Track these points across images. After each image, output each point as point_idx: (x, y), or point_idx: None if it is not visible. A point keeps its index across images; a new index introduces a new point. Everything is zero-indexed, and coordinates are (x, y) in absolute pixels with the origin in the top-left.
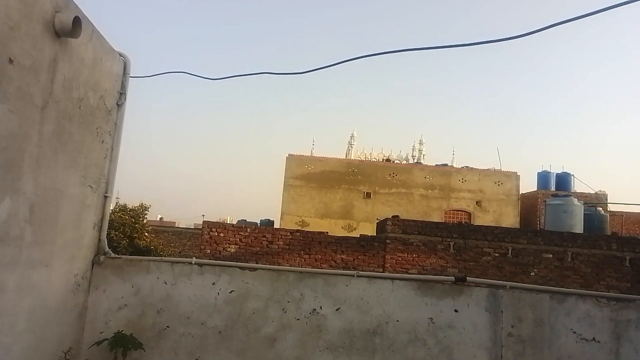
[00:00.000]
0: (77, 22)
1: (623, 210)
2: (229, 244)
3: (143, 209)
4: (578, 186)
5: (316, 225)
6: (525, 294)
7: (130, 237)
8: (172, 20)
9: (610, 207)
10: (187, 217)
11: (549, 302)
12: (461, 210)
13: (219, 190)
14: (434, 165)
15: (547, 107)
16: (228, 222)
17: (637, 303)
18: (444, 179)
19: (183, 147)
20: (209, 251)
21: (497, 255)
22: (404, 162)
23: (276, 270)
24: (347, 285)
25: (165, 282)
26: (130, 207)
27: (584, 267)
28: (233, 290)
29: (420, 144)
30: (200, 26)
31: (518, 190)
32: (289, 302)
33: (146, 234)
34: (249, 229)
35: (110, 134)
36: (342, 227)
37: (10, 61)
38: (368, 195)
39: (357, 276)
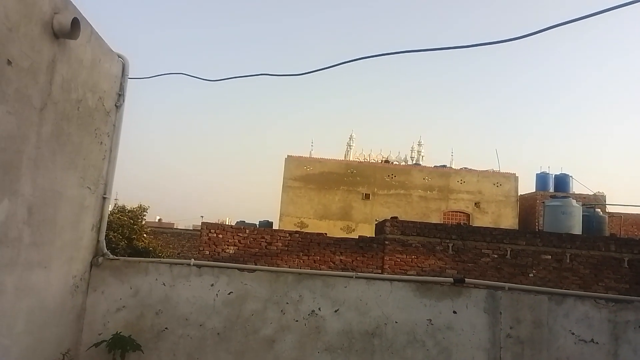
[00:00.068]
0: (76, 24)
1: (621, 211)
2: (228, 245)
3: (142, 210)
4: (576, 187)
5: (315, 226)
6: (524, 295)
7: (128, 239)
8: (171, 21)
9: (609, 209)
10: (185, 218)
11: (548, 303)
12: (460, 212)
13: (217, 191)
14: (432, 166)
15: (546, 108)
16: (227, 223)
17: (636, 304)
18: (442, 180)
19: (182, 148)
20: (207, 252)
21: (495, 256)
22: (403, 163)
23: (275, 271)
24: (345, 287)
25: (164, 284)
26: (129, 208)
27: (582, 269)
28: (232, 292)
29: (419, 145)
30: (199, 27)
31: (517, 191)
32: (287, 303)
33: (145, 235)
34: (247, 230)
35: (108, 135)
36: (341, 229)
37: (9, 62)
38: (367, 196)
39: (355, 277)
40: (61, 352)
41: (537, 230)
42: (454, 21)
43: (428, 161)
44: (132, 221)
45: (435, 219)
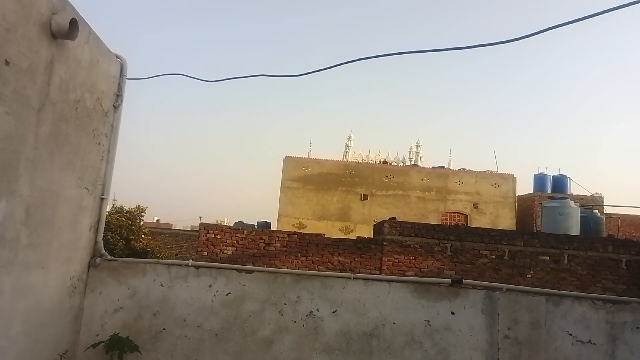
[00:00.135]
0: (74, 24)
1: (619, 212)
2: (226, 246)
3: (140, 210)
4: (574, 188)
5: (313, 227)
6: (522, 296)
7: (126, 239)
8: (171, 21)
9: (607, 210)
10: (184, 219)
11: (545, 304)
12: (458, 213)
13: (216, 192)
14: (430, 167)
15: (544, 109)
16: (225, 224)
17: (633, 305)
18: (440, 181)
19: (180, 148)
20: (205, 253)
21: (493, 257)
22: (401, 164)
23: (273, 272)
24: (343, 288)
25: (162, 285)
26: (127, 209)
27: (580, 270)
28: (230, 293)
29: (417, 146)
30: (199, 27)
31: (514, 192)
32: (285, 304)
33: (143, 236)
34: (246, 231)
35: (106, 136)
36: (339, 229)
37: (7, 63)
38: (365, 197)
39: (354, 278)
40: (58, 353)
41: (534, 231)
42: (453, 21)
43: (426, 162)
44: (130, 222)
45: (433, 219)
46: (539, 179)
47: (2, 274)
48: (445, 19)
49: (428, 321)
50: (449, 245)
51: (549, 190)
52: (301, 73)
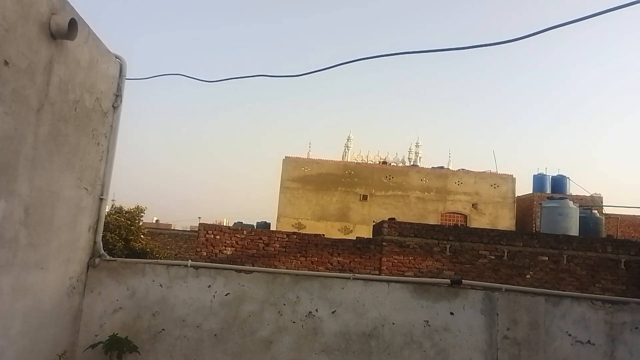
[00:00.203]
0: (73, 24)
1: (618, 212)
2: (225, 247)
3: (139, 211)
4: (573, 189)
5: (313, 227)
6: (521, 297)
7: (126, 240)
8: (170, 21)
9: (606, 210)
10: (183, 219)
11: (545, 304)
12: (457, 213)
13: (215, 192)
14: (430, 167)
15: (543, 109)
16: (224, 224)
17: (632, 306)
18: (440, 181)
19: (180, 148)
20: (205, 253)
21: (492, 257)
22: (401, 164)
23: (272, 272)
24: (343, 288)
25: (161, 285)
26: (126, 209)
27: (579, 270)
28: (229, 293)
29: (416, 146)
30: (198, 27)
31: (514, 192)
32: (284, 304)
33: (142, 236)
34: (245, 232)
35: (106, 136)
36: (339, 230)
37: (6, 63)
38: (364, 197)
39: (353, 279)
40: (57, 354)
41: (534, 231)
42: (453, 21)
43: (426, 162)
44: (129, 222)
45: (432, 220)
46: (538, 180)
47: (1, 274)
48: (445, 19)
49: (427, 321)
50: (448, 246)
51: (548, 191)
52: (300, 73)
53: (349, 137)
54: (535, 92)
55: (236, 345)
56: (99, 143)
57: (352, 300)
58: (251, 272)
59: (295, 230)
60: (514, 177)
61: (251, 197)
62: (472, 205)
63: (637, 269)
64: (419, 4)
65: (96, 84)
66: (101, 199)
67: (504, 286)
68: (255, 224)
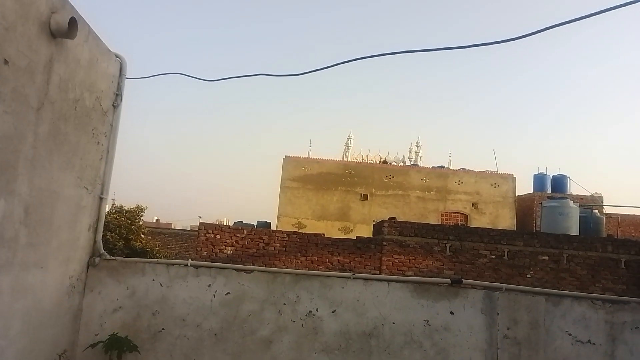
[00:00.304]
0: (73, 23)
1: (619, 212)
2: (226, 246)
3: (139, 210)
4: (574, 188)
5: (313, 227)
6: (521, 296)
7: (126, 239)
8: (170, 21)
9: (606, 210)
10: (183, 218)
11: (545, 304)
12: (457, 212)
13: (215, 192)
14: (430, 167)
15: (543, 109)
16: (225, 223)
17: (632, 305)
18: (440, 181)
19: (180, 148)
20: (205, 253)
21: (493, 257)
22: (401, 164)
23: (272, 272)
24: (343, 288)
25: (161, 284)
26: (126, 208)
27: (579, 269)
28: (229, 292)
29: (417, 145)
30: (198, 27)
31: (514, 192)
32: (285, 304)
33: (142, 235)
34: (245, 231)
35: (106, 135)
36: (339, 229)
37: (6, 62)
38: (365, 197)
39: (353, 278)
40: (57, 353)
41: (534, 231)
42: (453, 21)
43: (426, 162)
44: (129, 221)
45: (433, 219)
46: (539, 179)
47: (1, 274)
48: (445, 19)
49: (427, 321)
50: (448, 245)
51: (549, 190)
52: (300, 72)
53: (349, 136)
54: (535, 92)
55: (236, 344)
56: (99, 142)
57: (352, 300)
58: (251, 271)
59: (296, 230)
60: (514, 176)
61: (251, 196)
62: (473, 204)
63: (638, 268)
64: (419, 4)
65: (96, 83)
66: (101, 198)
67: (504, 286)
68: (255, 224)
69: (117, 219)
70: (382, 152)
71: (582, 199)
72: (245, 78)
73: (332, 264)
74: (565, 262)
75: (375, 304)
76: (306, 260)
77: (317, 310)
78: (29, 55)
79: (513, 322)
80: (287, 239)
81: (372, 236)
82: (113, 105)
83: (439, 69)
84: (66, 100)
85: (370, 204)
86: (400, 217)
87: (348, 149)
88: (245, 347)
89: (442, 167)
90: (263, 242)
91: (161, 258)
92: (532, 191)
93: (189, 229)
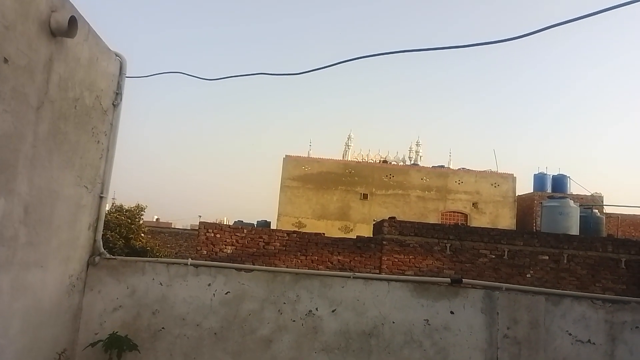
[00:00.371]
0: (73, 22)
1: (619, 212)
2: (226, 245)
3: (139, 209)
4: (574, 188)
5: (313, 226)
6: (521, 296)
7: (126, 238)
8: (170, 20)
9: (606, 209)
10: (183, 217)
11: (545, 303)
12: (457, 212)
13: (215, 191)
14: (430, 166)
15: (544, 108)
16: (225, 223)
17: (632, 305)
18: (440, 180)
19: (180, 147)
20: (205, 252)
21: (493, 256)
22: (401, 163)
23: (272, 271)
24: (343, 287)
25: (161, 283)
26: (126, 207)
27: (579, 269)
28: (229, 292)
29: (417, 145)
30: (198, 26)
31: (514, 191)
32: (285, 303)
33: (142, 234)
34: (245, 230)
35: (106, 134)
36: (339, 229)
37: (6, 61)
38: (365, 196)
39: (353, 277)
40: (57, 352)
41: (534, 230)
42: (453, 21)
43: (426, 161)
44: (129, 221)
45: (433, 219)
46: (539, 179)
47: (1, 273)
48: (445, 19)
49: (427, 320)
50: (448, 245)
51: (549, 190)
52: (300, 72)
53: (349, 136)
54: (535, 92)
55: (236, 343)
56: (98, 141)
57: (352, 299)
58: (251, 270)
59: (296, 229)
60: (514, 176)
61: (251, 196)
62: (473, 204)
63: (638, 268)
64: (419, 4)
65: (96, 82)
66: (101, 197)
67: (504, 285)
68: (255, 223)
69: (117, 218)
70: (382, 151)
71: (582, 198)
72: (245, 77)
73: (332, 263)
74: (565, 261)
75: (375, 303)
76: (306, 259)
77: (317, 309)
78: (28, 54)
79: (513, 322)
80: (287, 238)
81: (372, 236)
82: (113, 104)
83: (439, 69)
84: (66, 99)
85: (370, 204)
86: (400, 217)
87: (348, 148)
88: (245, 347)
89: (442, 166)
90: (263, 242)
91: (161, 257)
92: (532, 191)
93: (189, 228)
